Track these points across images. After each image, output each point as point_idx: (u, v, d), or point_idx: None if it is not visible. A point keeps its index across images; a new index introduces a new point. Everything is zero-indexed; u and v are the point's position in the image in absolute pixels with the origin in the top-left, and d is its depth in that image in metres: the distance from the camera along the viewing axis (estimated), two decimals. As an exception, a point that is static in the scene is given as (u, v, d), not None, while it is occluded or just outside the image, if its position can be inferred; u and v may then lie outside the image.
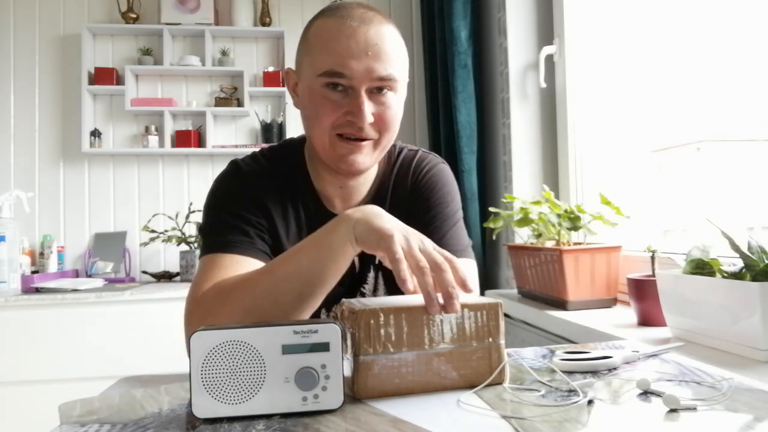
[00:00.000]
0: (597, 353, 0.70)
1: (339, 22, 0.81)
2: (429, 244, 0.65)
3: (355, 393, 0.59)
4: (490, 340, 0.61)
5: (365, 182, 0.95)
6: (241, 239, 0.85)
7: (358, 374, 0.59)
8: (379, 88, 0.82)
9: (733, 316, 0.83)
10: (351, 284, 0.93)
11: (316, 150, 0.89)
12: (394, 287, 0.91)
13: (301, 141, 0.97)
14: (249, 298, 0.72)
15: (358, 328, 0.58)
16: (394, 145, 1.00)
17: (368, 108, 0.81)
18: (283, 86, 2.73)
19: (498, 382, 0.62)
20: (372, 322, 0.58)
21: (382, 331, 0.58)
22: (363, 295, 0.94)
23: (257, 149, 0.98)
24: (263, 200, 0.90)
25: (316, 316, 0.91)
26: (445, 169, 1.00)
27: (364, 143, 0.84)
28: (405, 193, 0.96)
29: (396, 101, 0.85)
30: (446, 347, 0.60)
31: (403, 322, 0.59)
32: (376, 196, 0.95)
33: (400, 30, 0.88)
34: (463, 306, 0.60)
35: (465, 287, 0.62)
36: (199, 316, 0.75)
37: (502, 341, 0.62)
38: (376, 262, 0.93)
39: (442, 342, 0.60)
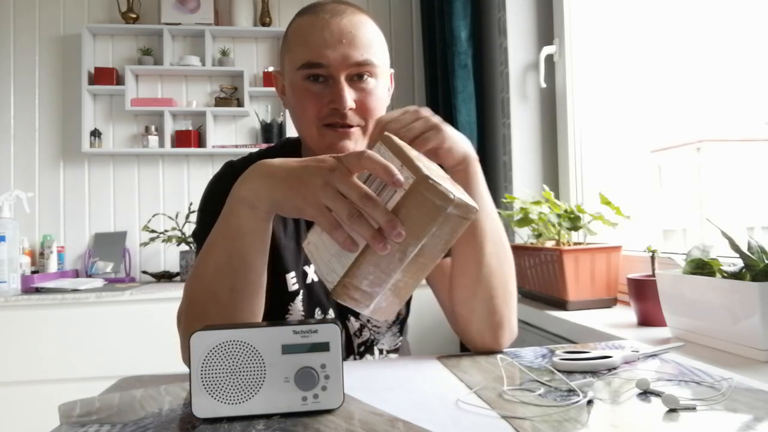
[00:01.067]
0: (597, 353, 0.70)
1: (313, 17, 0.84)
2: (338, 166, 0.58)
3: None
4: (450, 205, 0.55)
5: None
6: None
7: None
8: (359, 75, 0.83)
9: (733, 316, 0.83)
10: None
11: (307, 144, 0.89)
12: None
13: (297, 139, 0.97)
14: (197, 307, 0.70)
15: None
16: None
17: (349, 94, 0.82)
18: (283, 86, 2.74)
19: (473, 209, 0.57)
20: (354, 298, 0.56)
21: (366, 288, 0.56)
22: None
23: (264, 146, 0.98)
24: None
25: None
26: None
27: (351, 130, 0.84)
28: None
29: (378, 87, 0.85)
30: (422, 244, 0.56)
31: (372, 267, 0.55)
32: None
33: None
34: (404, 204, 0.54)
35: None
36: (179, 326, 0.74)
37: (454, 192, 0.55)
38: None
39: (416, 243, 0.56)
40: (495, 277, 0.80)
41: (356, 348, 0.94)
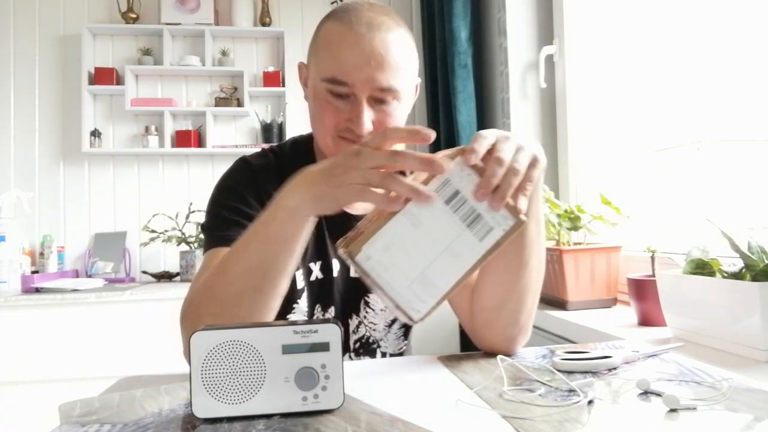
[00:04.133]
0: (597, 353, 0.70)
1: (346, 28, 0.80)
2: (362, 149, 0.59)
3: None
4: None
5: None
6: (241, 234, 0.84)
7: None
8: (382, 99, 0.82)
9: (733, 316, 0.83)
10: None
11: (320, 147, 0.89)
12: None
13: (310, 137, 0.97)
14: (213, 305, 0.70)
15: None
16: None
17: (368, 116, 0.80)
18: (283, 86, 2.74)
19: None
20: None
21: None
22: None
23: (266, 146, 0.97)
24: (270, 194, 0.89)
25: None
26: None
27: None
28: None
29: (399, 110, 0.84)
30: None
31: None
32: None
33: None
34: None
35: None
36: (185, 321, 0.74)
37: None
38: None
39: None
40: (529, 291, 0.77)
41: (352, 345, 0.94)
